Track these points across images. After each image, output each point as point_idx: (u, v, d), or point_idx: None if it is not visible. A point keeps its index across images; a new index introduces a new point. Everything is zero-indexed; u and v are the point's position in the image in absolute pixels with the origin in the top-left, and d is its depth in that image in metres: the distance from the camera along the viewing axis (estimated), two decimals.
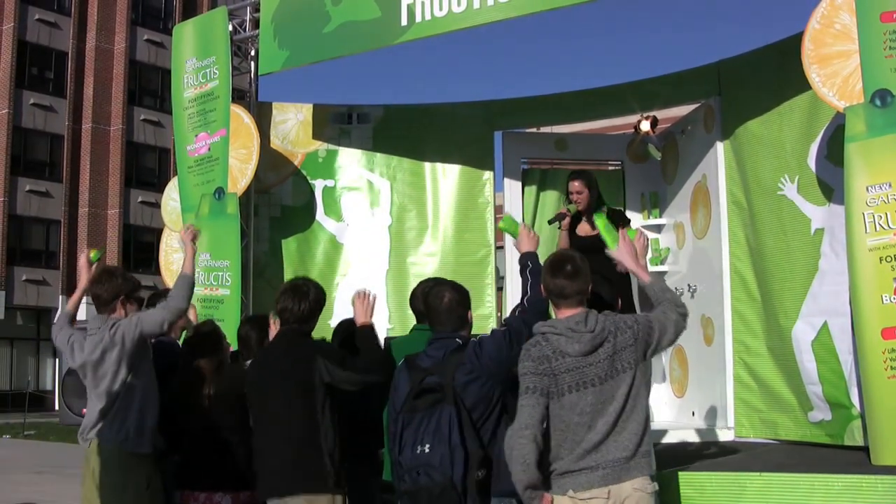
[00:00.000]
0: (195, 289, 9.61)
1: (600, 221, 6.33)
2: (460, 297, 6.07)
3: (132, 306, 7.06)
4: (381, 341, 6.64)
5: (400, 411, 5.74)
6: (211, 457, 6.77)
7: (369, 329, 6.51)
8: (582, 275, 5.30)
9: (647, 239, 6.20)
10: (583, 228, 9.53)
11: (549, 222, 9.47)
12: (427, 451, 5.48)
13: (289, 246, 11.30)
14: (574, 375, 5.08)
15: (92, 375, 6.83)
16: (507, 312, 8.55)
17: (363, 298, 6.65)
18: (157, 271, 11.47)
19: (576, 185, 9.35)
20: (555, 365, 5.12)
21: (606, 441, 5.04)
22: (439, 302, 6.01)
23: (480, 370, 5.66)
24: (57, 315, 7.43)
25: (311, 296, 6.40)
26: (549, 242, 9.83)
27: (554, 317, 5.39)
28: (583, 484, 5.04)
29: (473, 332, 6.23)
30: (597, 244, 9.34)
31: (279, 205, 11.38)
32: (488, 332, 6.07)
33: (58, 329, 7.18)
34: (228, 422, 6.75)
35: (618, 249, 5.79)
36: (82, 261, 7.42)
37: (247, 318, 8.02)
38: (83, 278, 7.35)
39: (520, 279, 6.15)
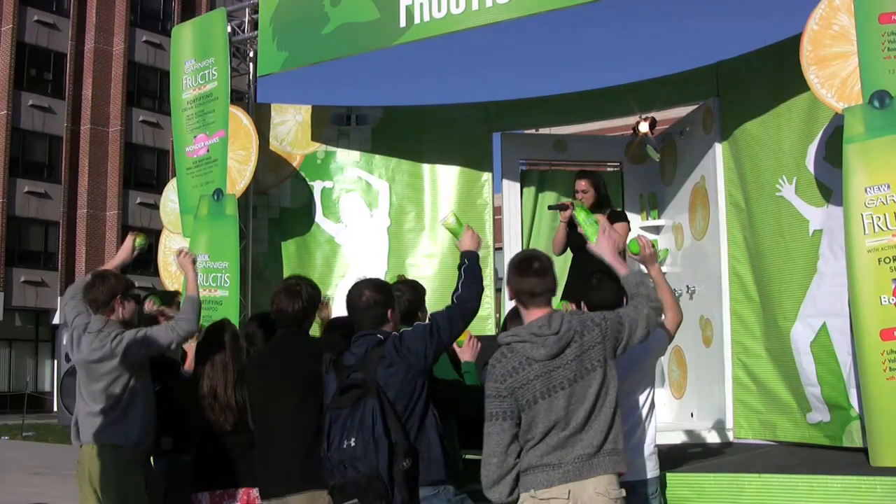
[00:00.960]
0: None
1: (581, 214, 6.27)
2: (381, 297, 6.04)
3: (129, 304, 7.12)
4: None
5: (328, 409, 5.78)
6: (228, 456, 6.78)
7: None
8: (550, 272, 5.24)
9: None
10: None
11: (549, 208, 9.48)
12: (353, 444, 5.51)
13: (287, 247, 11.31)
14: (543, 381, 5.01)
15: (86, 375, 6.85)
16: (504, 314, 8.56)
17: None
18: (156, 272, 11.46)
19: (581, 183, 9.43)
20: (521, 376, 5.04)
21: (572, 438, 4.98)
22: (357, 299, 6.01)
23: (401, 363, 5.69)
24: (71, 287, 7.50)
25: (305, 295, 6.41)
26: (549, 238, 9.87)
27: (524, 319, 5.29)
28: (543, 482, 4.98)
29: (474, 333, 6.26)
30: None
31: (278, 206, 11.39)
32: (486, 333, 6.08)
33: (70, 296, 7.37)
34: (242, 422, 6.75)
35: (597, 242, 5.76)
36: (128, 243, 7.69)
37: (253, 316, 8.01)
38: (120, 256, 7.68)
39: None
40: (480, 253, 6.21)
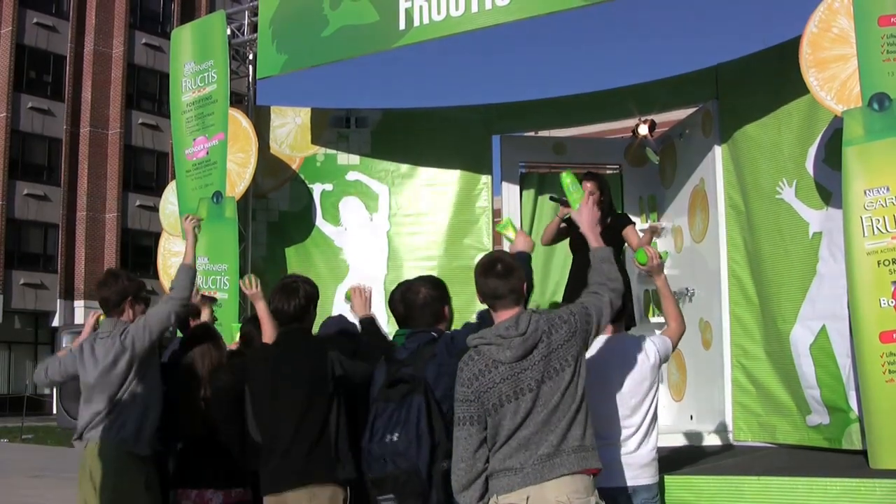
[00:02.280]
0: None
1: (567, 178, 6.22)
2: (437, 293, 6.09)
3: (139, 307, 7.10)
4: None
5: (374, 401, 5.79)
6: (205, 454, 6.77)
7: (371, 321, 6.56)
8: (515, 273, 5.16)
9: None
10: None
11: (551, 198, 9.49)
12: (395, 439, 5.51)
13: (287, 250, 11.32)
14: (510, 384, 4.91)
15: (101, 379, 6.84)
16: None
17: (360, 292, 6.79)
18: (156, 275, 11.46)
19: (588, 185, 9.44)
20: (487, 379, 4.95)
21: (534, 437, 4.86)
22: (415, 297, 6.05)
23: (450, 363, 5.59)
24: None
25: (301, 293, 6.42)
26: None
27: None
28: (504, 487, 4.89)
29: None
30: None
31: (277, 209, 11.40)
32: None
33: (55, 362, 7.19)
34: (224, 420, 6.74)
35: (579, 210, 5.76)
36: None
37: (251, 317, 8.02)
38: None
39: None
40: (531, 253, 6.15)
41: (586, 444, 4.91)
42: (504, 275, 5.11)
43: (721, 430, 9.55)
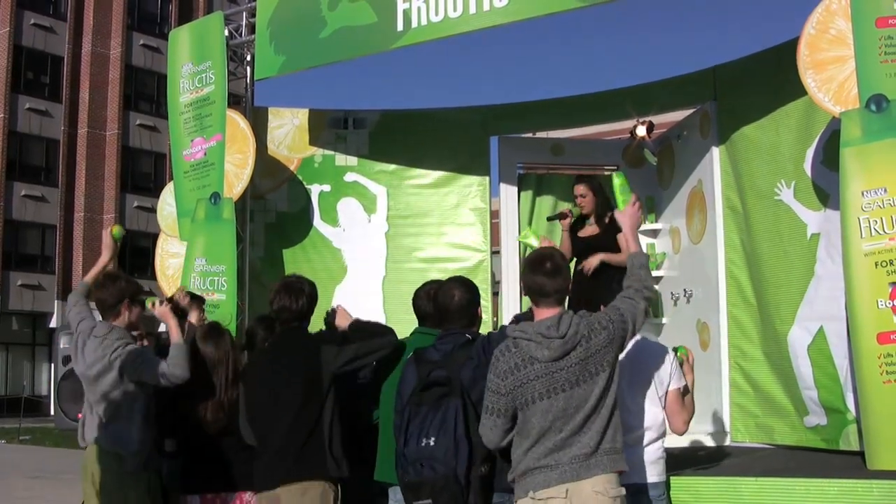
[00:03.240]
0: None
1: (619, 180, 6.27)
2: (471, 295, 6.15)
3: (136, 309, 7.10)
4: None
5: (407, 403, 5.77)
6: (222, 459, 6.77)
7: (354, 323, 6.61)
8: (562, 273, 5.26)
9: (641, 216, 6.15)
10: (584, 231, 9.63)
11: (548, 219, 9.50)
12: (432, 443, 5.53)
13: (284, 251, 11.32)
14: (544, 382, 5.02)
15: (89, 385, 6.85)
16: (503, 317, 8.59)
17: (342, 310, 6.83)
18: (153, 276, 11.45)
19: (580, 188, 9.52)
20: (523, 374, 5.06)
21: (569, 440, 4.98)
22: (450, 300, 6.09)
23: (487, 366, 5.60)
24: (73, 292, 7.47)
25: (307, 291, 6.47)
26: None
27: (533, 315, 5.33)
28: (541, 483, 4.98)
29: None
30: (597, 248, 9.44)
31: (274, 210, 11.39)
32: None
33: (72, 303, 7.29)
34: (234, 424, 6.75)
35: (623, 212, 5.84)
36: (107, 239, 7.74)
37: (258, 317, 8.00)
38: (105, 255, 7.65)
39: (516, 285, 6.18)
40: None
41: (617, 447, 5.07)
42: (552, 273, 5.22)
43: (719, 431, 9.55)
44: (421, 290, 6.74)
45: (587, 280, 9.20)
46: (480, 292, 6.41)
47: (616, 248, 9.13)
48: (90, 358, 6.82)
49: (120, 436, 6.75)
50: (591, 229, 9.72)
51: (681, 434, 6.19)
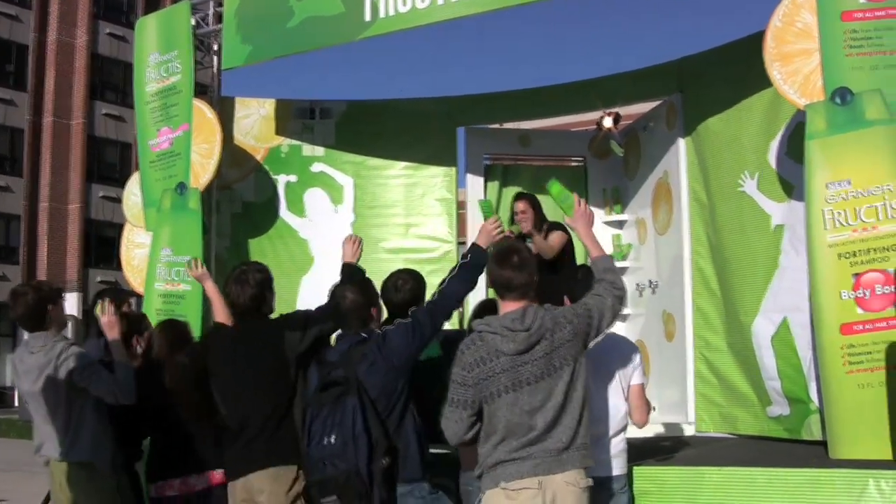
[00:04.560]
0: (156, 285, 9.60)
1: (554, 188, 6.14)
2: (363, 299, 6.17)
3: (59, 308, 7.02)
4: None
5: (309, 405, 5.86)
6: (180, 443, 6.80)
7: (353, 266, 6.75)
8: (528, 267, 5.26)
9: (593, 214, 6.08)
10: None
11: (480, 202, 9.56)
12: (332, 441, 5.57)
13: (251, 242, 11.27)
14: (510, 375, 5.04)
15: (37, 400, 6.78)
16: (469, 307, 8.60)
17: (353, 241, 6.98)
18: (119, 267, 11.39)
19: (520, 205, 9.55)
20: (488, 367, 5.08)
21: (542, 435, 5.01)
22: (342, 303, 6.15)
23: (383, 362, 5.78)
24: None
25: (256, 279, 6.45)
26: None
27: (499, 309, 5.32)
28: (513, 474, 5.02)
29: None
30: (540, 265, 9.49)
31: (241, 200, 11.33)
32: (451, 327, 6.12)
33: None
34: (189, 409, 6.74)
35: (574, 216, 5.75)
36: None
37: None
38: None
39: (483, 276, 6.16)
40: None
41: (587, 443, 5.13)
42: (519, 267, 5.22)
43: (683, 421, 9.61)
44: (388, 283, 6.79)
45: (547, 295, 9.27)
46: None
47: (558, 262, 9.23)
48: (32, 373, 6.75)
49: (78, 437, 6.72)
50: (533, 248, 9.75)
51: (641, 427, 6.22)
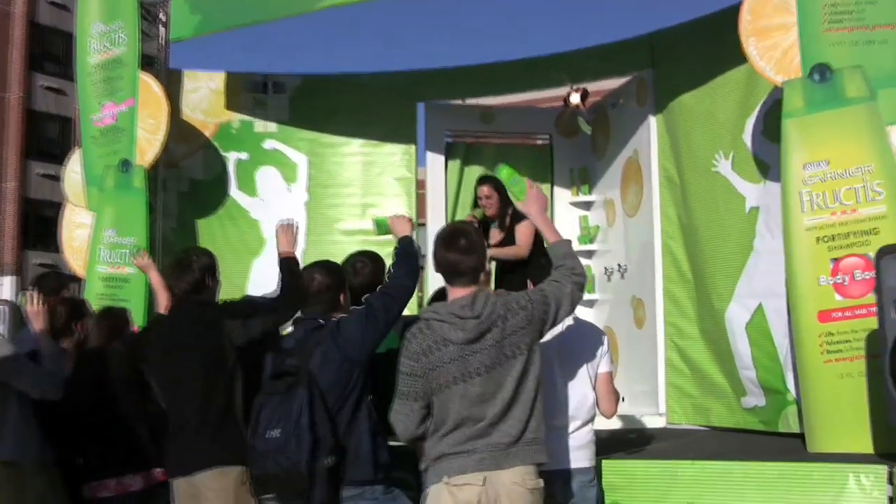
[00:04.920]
0: (99, 268, 9.48)
1: (504, 171, 6.02)
2: (332, 280, 6.12)
3: None
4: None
5: (259, 394, 5.76)
6: (116, 439, 6.74)
7: (292, 261, 6.51)
8: (477, 250, 5.18)
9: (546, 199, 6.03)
10: (494, 236, 9.59)
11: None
12: (277, 435, 5.49)
13: (199, 223, 11.14)
14: (459, 365, 4.97)
15: None
16: (428, 292, 8.59)
17: (287, 228, 6.70)
18: (58, 249, 11.25)
19: (484, 189, 9.49)
20: (436, 356, 5.00)
21: (489, 428, 4.95)
22: (309, 284, 6.07)
23: (336, 353, 5.70)
24: None
25: (196, 266, 6.40)
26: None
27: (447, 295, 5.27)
28: (456, 468, 4.95)
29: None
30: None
31: (189, 178, 11.19)
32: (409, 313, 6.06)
33: None
34: (125, 402, 6.69)
35: (526, 200, 5.67)
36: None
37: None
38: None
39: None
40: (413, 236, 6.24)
41: (539, 437, 5.03)
42: (467, 250, 5.12)
43: (654, 412, 9.62)
44: (345, 266, 6.72)
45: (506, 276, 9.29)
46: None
47: (530, 255, 9.18)
48: None
49: (4, 443, 6.66)
50: (497, 234, 9.72)
51: (610, 417, 6.20)
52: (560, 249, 5.48)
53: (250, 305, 6.35)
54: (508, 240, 9.52)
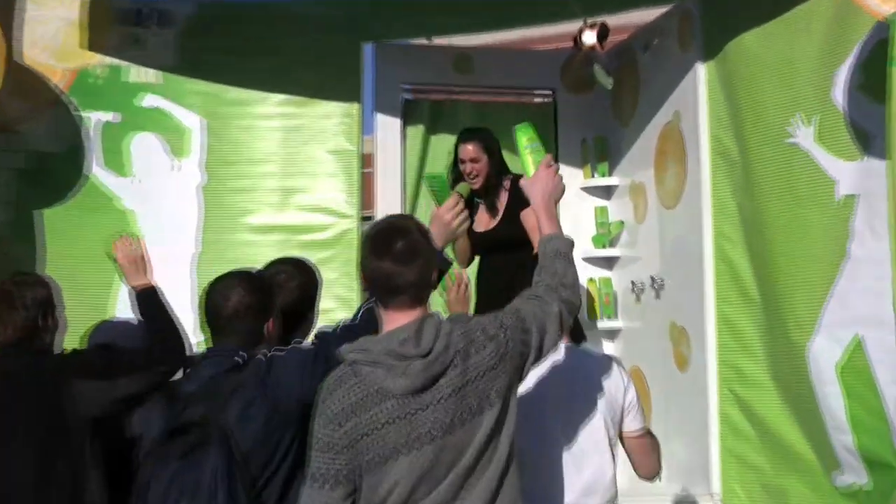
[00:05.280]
0: None
1: (525, 132, 6.01)
2: (255, 299, 5.90)
3: None
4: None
5: (147, 456, 5.57)
6: None
7: (151, 293, 6.49)
8: (421, 256, 4.88)
9: None
10: (482, 219, 9.47)
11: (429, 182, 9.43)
12: None
13: (45, 213, 10.88)
14: (401, 428, 4.62)
15: None
16: None
17: (126, 245, 6.75)
18: None
19: (469, 149, 9.42)
20: (368, 417, 4.65)
21: None
22: (223, 303, 5.85)
23: (264, 403, 5.51)
24: None
25: (31, 300, 6.22)
26: None
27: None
28: None
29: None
30: (504, 240, 9.36)
31: (31, 149, 10.95)
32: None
33: None
34: None
35: (532, 179, 5.62)
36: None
37: None
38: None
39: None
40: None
41: None
42: (405, 257, 4.80)
43: (704, 493, 9.49)
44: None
45: (501, 281, 9.07)
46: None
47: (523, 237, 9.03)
48: None
49: None
50: (487, 219, 9.60)
51: (652, 479, 6.08)
52: (554, 245, 5.33)
53: (111, 358, 6.16)
54: (503, 228, 9.36)
